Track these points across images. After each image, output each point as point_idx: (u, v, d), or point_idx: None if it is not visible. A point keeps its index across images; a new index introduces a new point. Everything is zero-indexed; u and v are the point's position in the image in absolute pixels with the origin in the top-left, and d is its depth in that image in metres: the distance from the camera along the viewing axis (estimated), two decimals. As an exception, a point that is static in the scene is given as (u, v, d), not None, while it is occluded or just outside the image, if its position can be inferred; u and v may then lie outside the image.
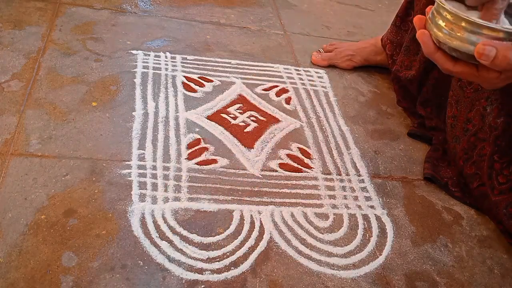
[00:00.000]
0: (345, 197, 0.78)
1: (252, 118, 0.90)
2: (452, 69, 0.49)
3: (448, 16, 0.47)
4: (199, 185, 0.74)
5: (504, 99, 0.75)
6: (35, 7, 1.06)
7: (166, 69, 0.97)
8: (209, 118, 0.87)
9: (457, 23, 0.47)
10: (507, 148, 0.76)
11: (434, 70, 0.91)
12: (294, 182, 0.78)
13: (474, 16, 0.49)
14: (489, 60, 0.45)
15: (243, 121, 0.88)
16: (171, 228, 0.66)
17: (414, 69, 0.94)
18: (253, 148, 0.83)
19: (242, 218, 0.70)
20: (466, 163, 0.82)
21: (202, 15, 1.20)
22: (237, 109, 0.91)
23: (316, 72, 1.08)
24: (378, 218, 0.76)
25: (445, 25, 0.48)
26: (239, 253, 0.65)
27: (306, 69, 1.08)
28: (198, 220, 0.68)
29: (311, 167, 0.82)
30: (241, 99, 0.94)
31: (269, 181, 0.77)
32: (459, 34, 0.47)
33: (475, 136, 0.80)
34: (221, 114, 0.89)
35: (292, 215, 0.73)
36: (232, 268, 0.63)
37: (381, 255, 0.70)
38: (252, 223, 0.70)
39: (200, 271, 0.62)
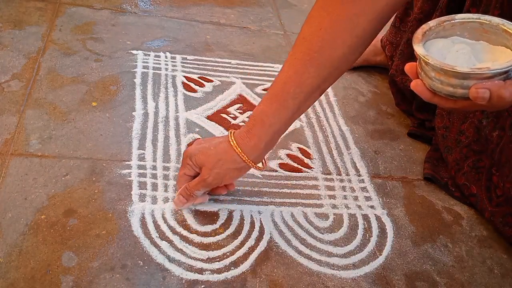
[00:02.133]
0: (345, 197, 0.78)
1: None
2: (454, 106, 0.50)
3: (435, 68, 0.47)
4: (199, 185, 0.74)
5: (500, 112, 0.75)
6: (35, 7, 1.06)
7: (166, 69, 0.97)
8: (209, 118, 0.87)
9: (445, 74, 0.47)
10: (503, 161, 0.75)
11: None
12: (294, 182, 0.78)
13: (465, 47, 0.49)
14: (485, 101, 0.46)
15: (243, 121, 0.88)
16: (171, 228, 0.66)
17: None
18: (253, 148, 0.83)
19: (242, 218, 0.70)
20: (457, 174, 0.82)
21: (202, 15, 1.20)
22: (237, 109, 0.91)
23: (316, 72, 1.07)
24: (378, 218, 0.76)
25: (435, 76, 0.48)
26: (239, 253, 0.65)
27: (306, 69, 1.08)
28: (198, 220, 0.68)
29: (311, 167, 0.82)
30: (241, 99, 0.94)
31: (269, 181, 0.77)
32: (450, 81, 0.47)
33: (467, 148, 0.80)
34: (221, 114, 0.89)
35: (292, 215, 0.73)
36: (232, 268, 0.63)
37: (381, 255, 0.70)
38: (252, 223, 0.70)
39: (200, 271, 0.62)
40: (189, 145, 0.77)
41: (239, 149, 0.62)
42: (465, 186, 0.80)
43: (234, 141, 0.62)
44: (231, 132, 0.64)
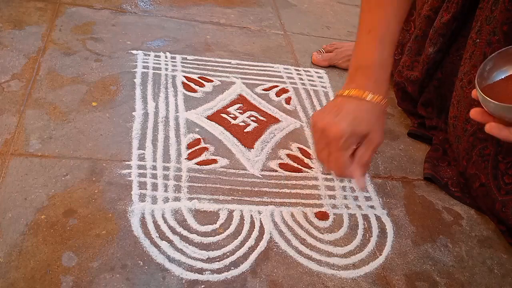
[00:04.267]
0: (345, 197, 0.78)
1: (252, 118, 0.90)
2: None
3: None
4: (199, 185, 0.74)
5: None
6: (35, 7, 1.06)
7: (166, 69, 0.97)
8: (209, 118, 0.87)
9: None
10: (510, 148, 0.75)
11: (437, 71, 0.90)
12: (294, 182, 0.78)
13: None
14: None
15: (243, 121, 0.88)
16: (171, 228, 0.66)
17: (417, 70, 0.94)
18: (253, 148, 0.83)
19: (242, 218, 0.70)
20: (468, 163, 0.82)
21: (202, 15, 1.20)
22: (237, 109, 0.91)
23: (316, 72, 1.08)
24: (378, 218, 0.76)
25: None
26: (239, 253, 0.65)
27: (306, 69, 1.08)
28: (198, 220, 0.68)
29: (311, 167, 0.82)
30: (241, 99, 0.94)
31: (269, 181, 0.77)
32: None
33: (473, 136, 0.80)
34: (221, 114, 0.89)
35: (292, 215, 0.73)
36: (232, 268, 0.63)
37: (381, 255, 0.70)
38: (252, 223, 0.70)
39: (200, 271, 0.62)
40: (315, 122, 0.65)
41: (376, 95, 0.61)
42: (476, 176, 0.80)
43: (366, 92, 0.61)
44: (348, 90, 0.62)
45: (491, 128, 0.54)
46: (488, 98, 0.51)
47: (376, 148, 0.62)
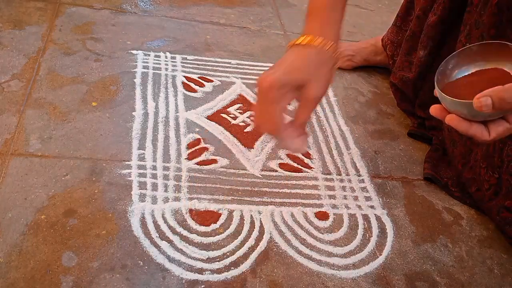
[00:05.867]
0: (345, 197, 0.78)
1: (252, 118, 0.90)
2: (489, 139, 0.52)
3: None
4: (199, 185, 0.74)
5: None
6: (35, 7, 1.06)
7: (166, 69, 0.97)
8: (209, 118, 0.87)
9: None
10: (489, 152, 0.76)
11: (430, 73, 0.90)
12: (294, 182, 0.78)
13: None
14: (490, 108, 0.47)
15: (243, 121, 0.88)
16: (171, 228, 0.66)
17: (410, 71, 0.94)
18: (253, 148, 0.83)
19: (242, 218, 0.70)
20: (464, 168, 0.82)
21: (202, 15, 1.20)
22: (237, 109, 0.91)
23: (316, 72, 1.07)
24: (378, 218, 0.76)
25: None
26: (239, 253, 0.65)
27: (306, 69, 1.08)
28: (198, 220, 0.68)
29: (311, 167, 0.82)
30: (241, 99, 0.94)
31: (269, 181, 0.77)
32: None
33: (470, 140, 0.80)
34: (221, 114, 0.89)
35: (292, 215, 0.73)
36: (232, 268, 0.63)
37: (381, 255, 0.70)
38: (252, 223, 0.70)
39: (200, 271, 0.62)
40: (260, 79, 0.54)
41: (325, 40, 0.53)
42: (473, 180, 0.80)
43: (307, 37, 0.54)
44: (292, 43, 0.55)
45: (451, 119, 0.52)
46: (444, 94, 0.51)
47: (313, 102, 0.53)
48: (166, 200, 0.70)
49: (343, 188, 0.80)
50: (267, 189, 0.76)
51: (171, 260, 0.62)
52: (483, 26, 0.73)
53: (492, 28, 0.72)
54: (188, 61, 1.01)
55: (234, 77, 1.00)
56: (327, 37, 0.54)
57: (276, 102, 0.52)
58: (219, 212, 0.70)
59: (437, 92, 0.53)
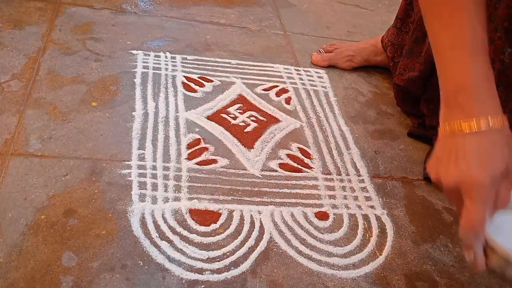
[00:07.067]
0: (345, 197, 0.78)
1: (252, 118, 0.90)
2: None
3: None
4: (199, 185, 0.74)
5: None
6: (35, 7, 1.06)
7: (166, 69, 0.97)
8: (209, 118, 0.87)
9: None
10: None
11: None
12: (294, 182, 0.78)
13: None
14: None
15: (243, 121, 0.88)
16: (171, 228, 0.66)
17: (417, 70, 0.94)
18: (253, 148, 0.83)
19: (242, 218, 0.70)
20: None
21: (202, 15, 1.20)
22: (237, 109, 0.91)
23: (316, 72, 1.08)
24: (378, 218, 0.76)
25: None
26: (239, 253, 0.65)
27: (306, 69, 1.08)
28: (198, 220, 0.68)
29: (311, 167, 0.82)
30: (241, 99, 0.94)
31: (269, 181, 0.77)
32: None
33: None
34: (221, 114, 0.89)
35: (292, 215, 0.73)
36: (232, 268, 0.63)
37: (381, 255, 0.70)
38: (252, 223, 0.70)
39: (200, 271, 0.62)
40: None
41: (495, 117, 0.48)
42: None
43: (479, 119, 0.48)
44: (455, 123, 0.49)
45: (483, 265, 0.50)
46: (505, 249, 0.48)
47: None
48: (166, 200, 0.70)
49: (343, 188, 0.80)
50: (267, 189, 0.76)
51: (171, 260, 0.62)
52: (498, 19, 0.73)
53: (506, 21, 0.71)
54: (188, 61, 1.01)
55: (234, 77, 1.00)
56: (496, 113, 0.49)
57: (484, 202, 0.48)
58: (219, 212, 0.70)
59: (491, 242, 0.48)
